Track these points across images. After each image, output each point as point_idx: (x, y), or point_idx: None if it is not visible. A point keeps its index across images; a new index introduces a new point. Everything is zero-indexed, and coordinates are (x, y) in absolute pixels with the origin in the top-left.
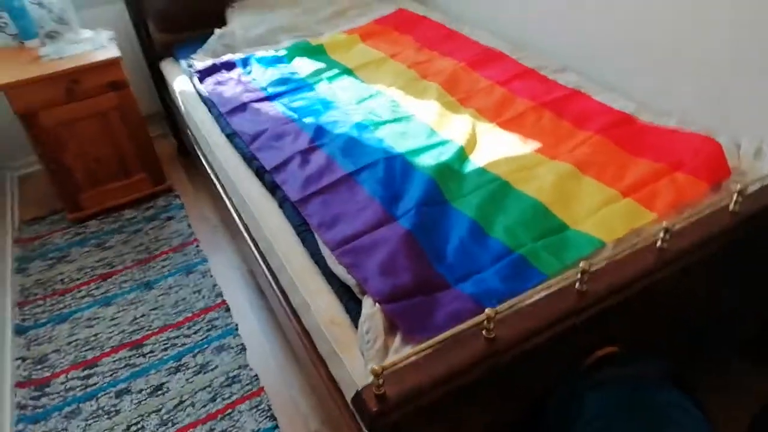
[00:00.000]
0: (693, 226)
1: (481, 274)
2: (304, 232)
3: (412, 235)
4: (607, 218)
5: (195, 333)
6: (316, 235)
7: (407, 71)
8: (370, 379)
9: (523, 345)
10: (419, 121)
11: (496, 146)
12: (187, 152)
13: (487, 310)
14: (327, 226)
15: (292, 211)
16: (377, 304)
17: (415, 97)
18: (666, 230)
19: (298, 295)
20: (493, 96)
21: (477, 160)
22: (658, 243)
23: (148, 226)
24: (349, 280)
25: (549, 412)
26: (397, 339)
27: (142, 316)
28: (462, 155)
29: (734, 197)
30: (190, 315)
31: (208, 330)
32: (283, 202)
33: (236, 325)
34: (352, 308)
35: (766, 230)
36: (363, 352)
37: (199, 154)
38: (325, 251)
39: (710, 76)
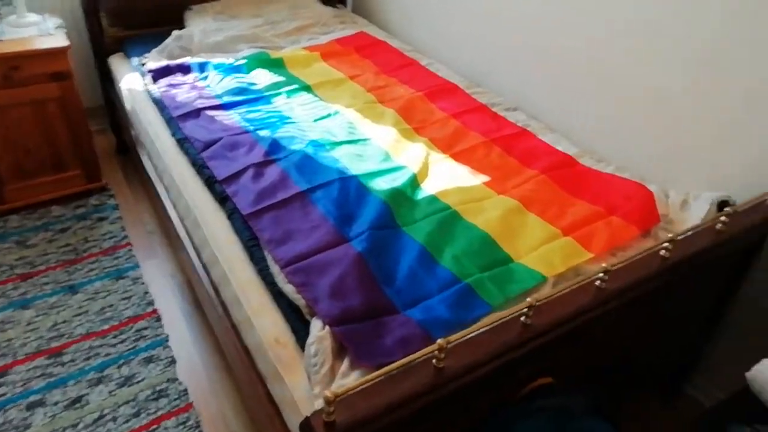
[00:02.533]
0: (628, 268)
1: (429, 301)
2: (252, 246)
3: (363, 257)
4: (548, 254)
5: (121, 342)
6: (266, 251)
7: (366, 94)
8: (317, 403)
9: (470, 375)
10: (375, 144)
11: (447, 176)
12: (125, 150)
13: (439, 341)
14: (278, 242)
15: (242, 224)
16: (327, 326)
17: (372, 121)
18: (606, 271)
19: (241, 311)
20: (447, 128)
21: (428, 188)
22: (597, 282)
23: (78, 225)
24: (299, 299)
25: None
26: (345, 363)
27: (64, 321)
28: (415, 182)
29: (665, 244)
30: (116, 323)
31: (136, 340)
32: (233, 214)
33: (167, 336)
34: (299, 328)
35: (690, 276)
36: (309, 375)
37: (142, 154)
38: (274, 268)
39: (648, 130)
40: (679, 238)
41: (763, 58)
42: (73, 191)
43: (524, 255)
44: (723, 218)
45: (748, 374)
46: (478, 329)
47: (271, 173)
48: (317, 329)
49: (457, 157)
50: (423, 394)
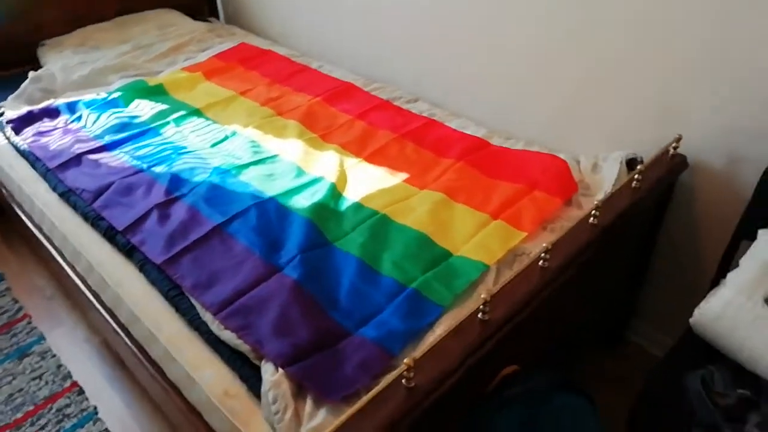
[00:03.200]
0: (564, 241)
1: (379, 316)
2: (176, 296)
3: (300, 284)
4: (484, 242)
5: (41, 429)
6: (192, 299)
7: (261, 109)
8: None
9: (441, 387)
10: (284, 160)
11: (366, 180)
12: None
13: (405, 360)
14: (203, 286)
15: (158, 274)
16: (280, 368)
17: (275, 136)
18: (546, 250)
19: (176, 368)
20: (354, 130)
21: (351, 195)
22: (540, 262)
23: None
24: (241, 345)
25: None
26: (309, 403)
27: None
28: (335, 192)
29: (593, 211)
30: (31, 408)
31: (59, 421)
32: (144, 265)
33: (95, 408)
34: (248, 375)
35: (621, 236)
36: (272, 424)
37: (22, 215)
38: (207, 315)
39: (551, 101)
40: (603, 202)
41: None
42: None
43: (461, 246)
44: (637, 176)
45: (691, 320)
46: (439, 337)
47: (178, 212)
48: (269, 373)
49: (372, 158)
50: (400, 419)
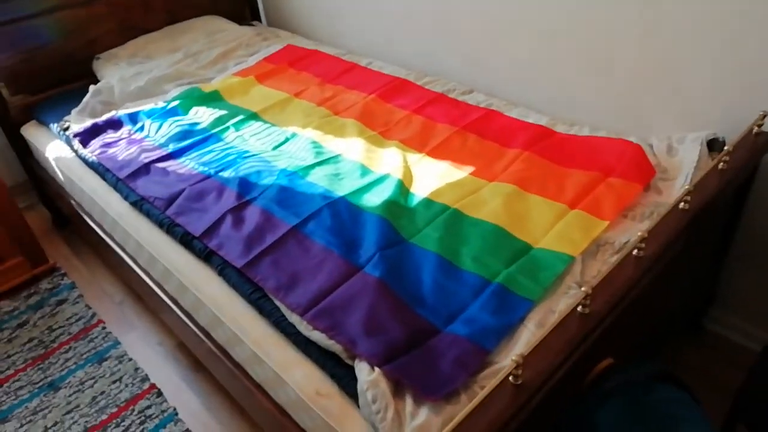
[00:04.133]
0: (657, 230)
1: (467, 312)
2: (259, 299)
3: (384, 282)
4: (564, 232)
5: (126, 430)
6: (276, 300)
7: (318, 109)
8: None
9: (548, 384)
10: (348, 159)
11: (432, 175)
12: (64, 224)
13: (513, 357)
14: (286, 288)
15: (238, 277)
16: (376, 368)
17: (335, 135)
18: (642, 239)
19: (263, 369)
20: (413, 125)
21: (419, 192)
22: (635, 252)
23: (36, 316)
24: (332, 345)
25: None
26: (409, 402)
27: (55, 424)
28: (403, 189)
29: (685, 197)
30: (115, 410)
31: (142, 422)
32: (224, 269)
33: (174, 408)
34: (340, 375)
35: (709, 221)
36: (374, 423)
37: (92, 224)
38: (293, 317)
39: (616, 84)
40: (694, 186)
41: None
42: (19, 281)
43: (541, 239)
44: (725, 157)
45: None
46: (543, 333)
47: (252, 215)
48: (366, 373)
49: (435, 153)
50: (510, 418)
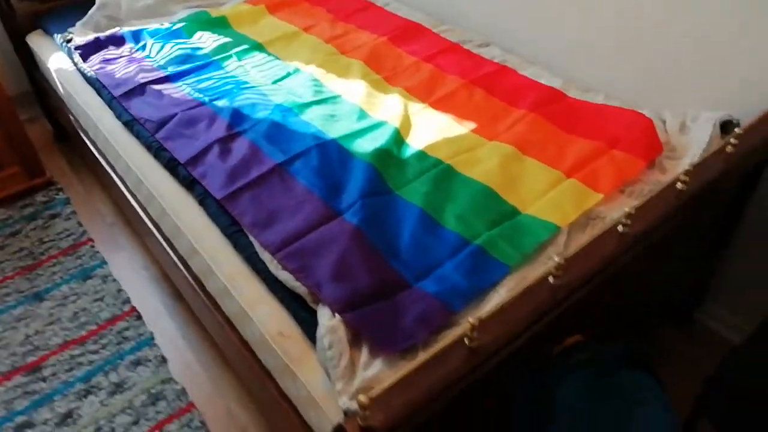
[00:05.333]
0: (646, 207)
1: (441, 270)
2: (235, 233)
3: (361, 230)
4: (556, 201)
5: (103, 348)
6: (251, 236)
7: (325, 46)
8: (342, 401)
9: (505, 350)
10: (347, 101)
11: (431, 128)
12: (65, 138)
13: (470, 320)
14: (263, 225)
15: (217, 208)
16: (337, 314)
17: (338, 75)
18: (628, 215)
19: (233, 304)
20: (421, 73)
21: (414, 143)
22: (620, 228)
23: (29, 226)
24: (298, 287)
25: (519, 406)
26: (365, 352)
27: (36, 333)
28: (398, 138)
29: (682, 177)
30: (94, 327)
31: (119, 343)
32: (205, 199)
33: (152, 334)
34: (304, 318)
35: (707, 206)
36: (327, 369)
37: (87, 141)
38: (265, 255)
39: (640, 52)
40: (694, 167)
41: None
42: (16, 190)
43: (531, 205)
44: (733, 140)
45: None
46: (506, 298)
47: (240, 147)
48: (326, 318)
49: (438, 104)
50: (459, 379)
